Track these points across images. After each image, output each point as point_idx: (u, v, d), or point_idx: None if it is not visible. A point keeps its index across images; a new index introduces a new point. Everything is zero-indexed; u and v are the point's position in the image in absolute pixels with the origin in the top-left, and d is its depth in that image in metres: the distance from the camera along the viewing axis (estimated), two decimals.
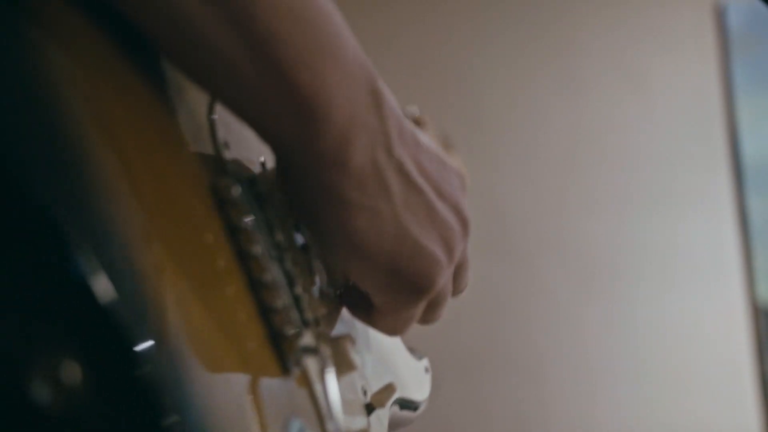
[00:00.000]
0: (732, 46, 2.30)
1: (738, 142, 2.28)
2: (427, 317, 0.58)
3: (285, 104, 0.44)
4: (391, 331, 0.58)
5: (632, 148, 2.24)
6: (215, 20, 0.41)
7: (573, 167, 2.05)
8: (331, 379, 0.50)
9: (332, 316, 0.59)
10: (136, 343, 0.33)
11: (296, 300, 0.51)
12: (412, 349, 0.75)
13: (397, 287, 0.52)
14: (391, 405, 0.65)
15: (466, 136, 1.97)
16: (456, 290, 0.59)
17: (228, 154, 0.51)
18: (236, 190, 0.46)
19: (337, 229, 0.48)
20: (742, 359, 2.25)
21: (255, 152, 0.55)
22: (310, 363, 0.50)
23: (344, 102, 0.45)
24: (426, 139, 0.54)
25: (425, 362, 0.77)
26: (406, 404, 0.70)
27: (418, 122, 1.06)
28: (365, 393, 0.61)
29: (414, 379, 0.73)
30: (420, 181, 0.51)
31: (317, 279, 0.58)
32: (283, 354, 0.47)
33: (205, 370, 0.39)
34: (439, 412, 1.98)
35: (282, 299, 0.47)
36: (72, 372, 0.32)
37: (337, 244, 0.49)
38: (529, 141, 2.14)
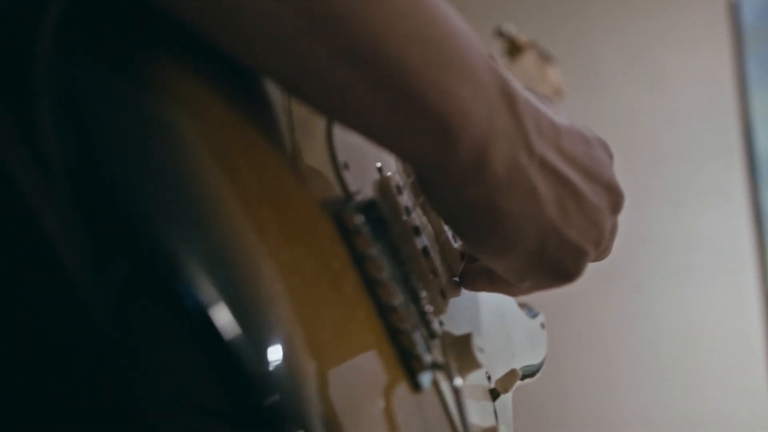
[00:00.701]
0: (746, 41, 2.30)
1: (752, 136, 2.28)
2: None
3: (419, 128, 0.43)
4: (515, 295, 0.58)
5: (647, 142, 2.24)
6: (340, 61, 0.40)
7: None
8: (462, 392, 0.50)
9: (455, 307, 0.58)
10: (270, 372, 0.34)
11: (422, 315, 0.51)
12: (523, 305, 0.74)
13: (541, 276, 0.51)
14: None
15: None
16: (599, 258, 0.58)
17: (348, 175, 0.50)
18: (359, 219, 0.46)
19: (486, 235, 0.47)
20: (756, 351, 2.25)
21: (371, 159, 0.54)
22: (440, 377, 0.50)
23: (478, 114, 0.44)
24: (563, 118, 0.52)
25: (540, 318, 0.76)
26: (526, 374, 0.70)
27: (514, 44, 1.02)
28: (489, 378, 0.61)
29: (528, 341, 0.72)
30: (566, 170, 0.50)
31: (441, 275, 0.57)
32: (413, 372, 0.47)
33: (341, 396, 0.40)
34: None
35: (408, 321, 0.48)
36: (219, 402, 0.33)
37: (484, 247, 0.49)
38: None
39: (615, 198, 0.54)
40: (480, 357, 0.56)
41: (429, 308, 0.52)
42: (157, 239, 0.33)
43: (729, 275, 2.26)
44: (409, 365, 0.47)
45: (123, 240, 0.33)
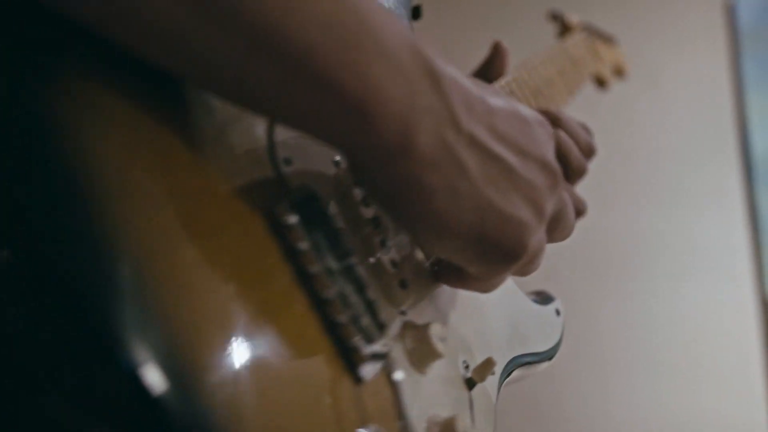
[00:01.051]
0: (742, 42, 2.30)
1: (748, 137, 2.29)
2: (523, 272, 0.58)
3: (335, 110, 0.44)
4: (486, 291, 0.58)
5: (643, 143, 2.24)
6: (242, 50, 0.41)
7: None
8: (402, 380, 0.50)
9: (423, 298, 0.59)
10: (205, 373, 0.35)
11: (369, 304, 0.51)
12: (538, 293, 0.75)
13: (489, 257, 0.52)
14: (505, 372, 0.66)
15: None
16: (557, 238, 0.59)
17: (290, 169, 0.51)
18: (290, 214, 0.47)
19: (419, 214, 0.48)
20: (751, 353, 2.25)
21: (326, 155, 0.55)
22: (383, 367, 0.50)
23: (396, 92, 0.45)
24: (500, 99, 0.53)
25: (556, 304, 0.76)
26: (531, 359, 0.70)
27: (565, 25, 1.08)
28: (467, 367, 0.61)
29: (537, 328, 0.72)
30: (497, 148, 0.50)
31: (402, 265, 0.57)
32: (353, 364, 0.48)
33: (273, 391, 0.40)
34: None
35: (346, 313, 0.48)
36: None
37: (421, 228, 0.49)
38: None
39: (550, 175, 0.54)
40: (441, 346, 0.56)
41: (379, 295, 0.53)
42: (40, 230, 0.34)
43: (725, 277, 2.26)
44: (348, 357, 0.48)
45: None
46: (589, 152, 0.77)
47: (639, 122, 2.23)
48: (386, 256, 0.56)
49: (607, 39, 1.20)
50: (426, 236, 0.50)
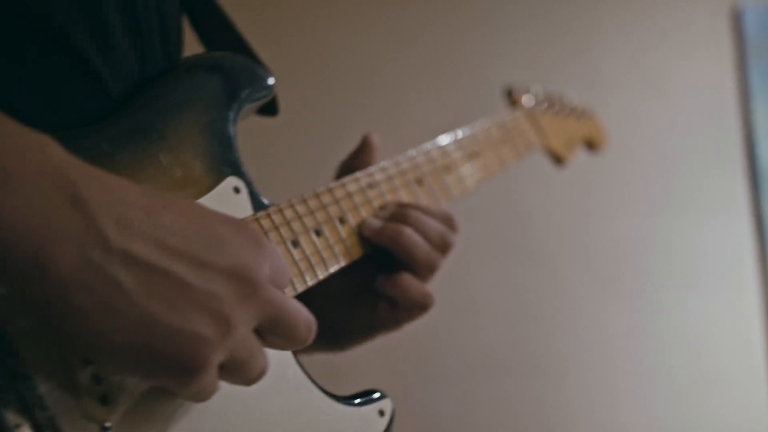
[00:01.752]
0: (748, 50, 2.31)
1: (754, 145, 2.29)
2: (238, 380, 0.56)
3: None
4: (195, 401, 0.56)
5: (650, 151, 2.25)
6: None
7: (593, 171, 2.06)
8: None
9: (140, 411, 0.56)
10: None
11: (50, 420, 0.51)
12: (361, 395, 0.68)
13: (163, 372, 0.51)
14: None
15: None
16: (288, 337, 0.56)
17: None
18: None
19: (78, 334, 0.49)
20: (756, 357, 2.26)
21: None
22: None
23: (29, 220, 0.47)
24: (179, 212, 0.53)
25: (380, 405, 0.69)
26: None
27: (513, 100, 1.08)
28: None
29: (325, 428, 0.66)
30: (163, 262, 0.51)
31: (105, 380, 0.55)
32: None
33: None
34: (464, 414, 2.00)
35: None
36: None
37: (87, 347, 0.50)
38: None
39: (242, 284, 0.53)
40: None
41: (56, 414, 0.52)
42: None
43: (730, 283, 2.27)
44: None
45: None
46: (443, 246, 0.77)
47: (645, 130, 2.24)
48: (85, 371, 0.53)
49: (580, 112, 1.18)
50: (95, 354, 0.51)
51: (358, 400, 0.68)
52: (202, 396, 0.54)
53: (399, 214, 0.76)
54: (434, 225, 0.76)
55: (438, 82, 2.05)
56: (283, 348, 0.58)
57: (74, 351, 0.51)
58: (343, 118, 1.90)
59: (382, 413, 0.69)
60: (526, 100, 1.08)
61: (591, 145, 1.21)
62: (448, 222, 0.78)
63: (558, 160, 1.09)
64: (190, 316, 0.51)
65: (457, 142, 0.88)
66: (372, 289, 0.78)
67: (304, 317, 0.57)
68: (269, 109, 0.73)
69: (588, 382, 2.13)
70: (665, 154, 2.26)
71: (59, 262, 0.47)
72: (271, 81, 0.70)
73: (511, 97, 1.09)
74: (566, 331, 2.13)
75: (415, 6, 2.06)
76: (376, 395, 0.69)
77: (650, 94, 2.25)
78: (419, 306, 0.77)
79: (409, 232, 0.74)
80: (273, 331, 0.56)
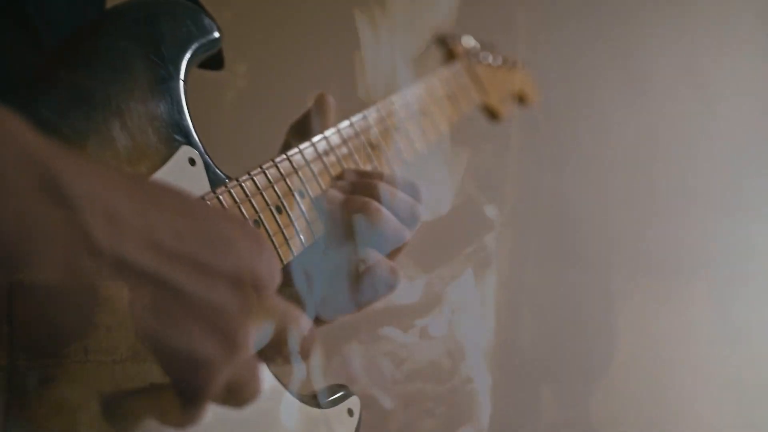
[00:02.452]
0: None
1: None
2: (230, 403, 0.49)
3: None
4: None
5: (698, 152, 2.23)
6: None
7: (640, 172, 2.05)
8: None
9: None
10: None
11: None
12: (334, 388, 0.67)
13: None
14: None
15: (534, 142, 1.99)
16: (281, 359, 0.50)
17: None
18: None
19: (53, 348, 0.44)
20: None
21: None
22: None
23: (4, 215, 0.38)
24: (171, 206, 0.45)
25: (349, 403, 0.67)
26: None
27: (450, 51, 1.00)
28: None
29: (300, 427, 0.64)
30: (161, 268, 0.43)
31: None
32: None
33: None
34: (509, 420, 1.99)
35: None
36: None
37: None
38: (596, 146, 2.14)
39: (247, 293, 0.46)
40: None
41: None
42: None
43: None
44: None
45: None
46: (411, 220, 0.69)
47: (693, 131, 2.22)
48: None
49: (510, 64, 1.10)
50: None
51: (327, 400, 0.66)
52: (192, 423, 0.47)
53: (362, 185, 0.69)
54: (401, 197, 0.69)
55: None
56: (276, 362, 0.52)
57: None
58: (294, 75, 1.76)
59: (351, 412, 0.67)
60: (463, 51, 1.00)
61: (522, 99, 1.11)
62: (414, 192, 0.71)
63: (494, 116, 1.02)
64: (190, 335, 0.43)
65: (404, 101, 0.82)
66: (333, 269, 0.69)
67: (309, 333, 0.51)
68: (213, 62, 0.65)
69: (637, 387, 2.12)
70: (713, 154, 2.23)
71: (43, 271, 0.39)
72: (217, 34, 0.63)
73: (447, 48, 1.00)
74: (615, 335, 2.11)
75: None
76: (345, 393, 0.67)
77: (698, 95, 2.24)
78: (387, 285, 0.68)
79: (375, 207, 0.67)
80: (275, 343, 0.50)
